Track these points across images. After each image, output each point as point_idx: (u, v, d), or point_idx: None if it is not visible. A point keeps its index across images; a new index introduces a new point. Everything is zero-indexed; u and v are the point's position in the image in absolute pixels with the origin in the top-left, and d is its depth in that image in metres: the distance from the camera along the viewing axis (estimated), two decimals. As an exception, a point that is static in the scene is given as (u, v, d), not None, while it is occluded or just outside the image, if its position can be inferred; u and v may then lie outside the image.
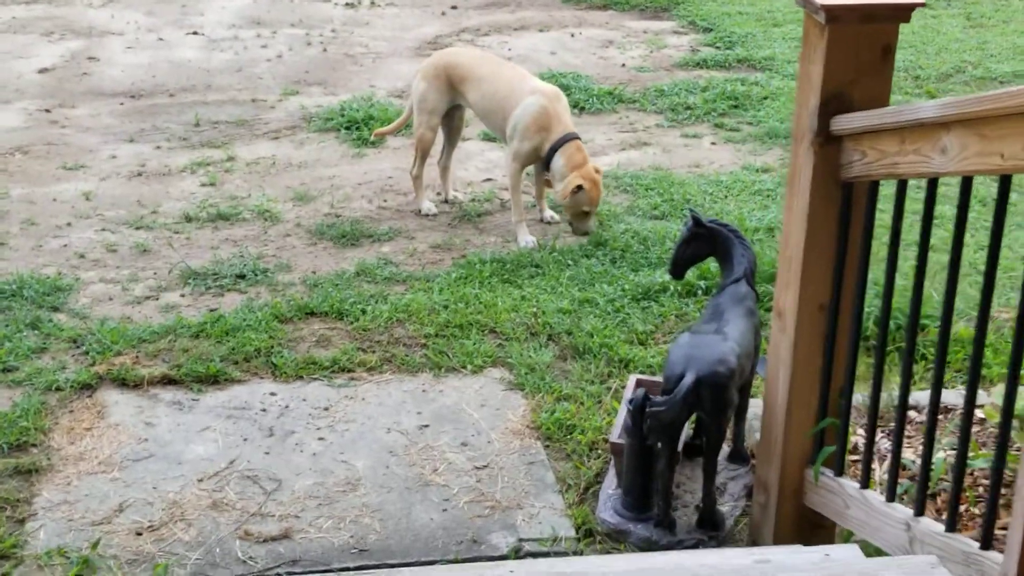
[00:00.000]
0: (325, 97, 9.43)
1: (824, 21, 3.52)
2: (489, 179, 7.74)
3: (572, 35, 11.38)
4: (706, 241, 4.50)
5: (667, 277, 5.88)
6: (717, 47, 10.84)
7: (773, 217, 6.71)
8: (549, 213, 7.03)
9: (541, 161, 6.64)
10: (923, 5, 3.53)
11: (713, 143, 8.36)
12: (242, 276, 6.20)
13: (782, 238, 3.95)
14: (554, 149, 6.47)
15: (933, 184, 3.20)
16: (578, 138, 6.56)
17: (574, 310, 5.75)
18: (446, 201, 7.30)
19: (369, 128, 8.41)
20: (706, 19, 11.79)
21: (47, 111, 8.99)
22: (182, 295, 6.03)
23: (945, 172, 3.05)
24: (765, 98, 9.13)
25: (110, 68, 10.17)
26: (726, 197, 7.21)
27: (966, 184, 3.03)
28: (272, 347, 5.44)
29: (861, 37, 3.56)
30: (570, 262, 6.29)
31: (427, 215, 7.07)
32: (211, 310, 5.83)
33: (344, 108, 8.85)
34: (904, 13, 3.52)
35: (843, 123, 3.60)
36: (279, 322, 5.69)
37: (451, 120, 7.12)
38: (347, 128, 8.55)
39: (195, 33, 11.39)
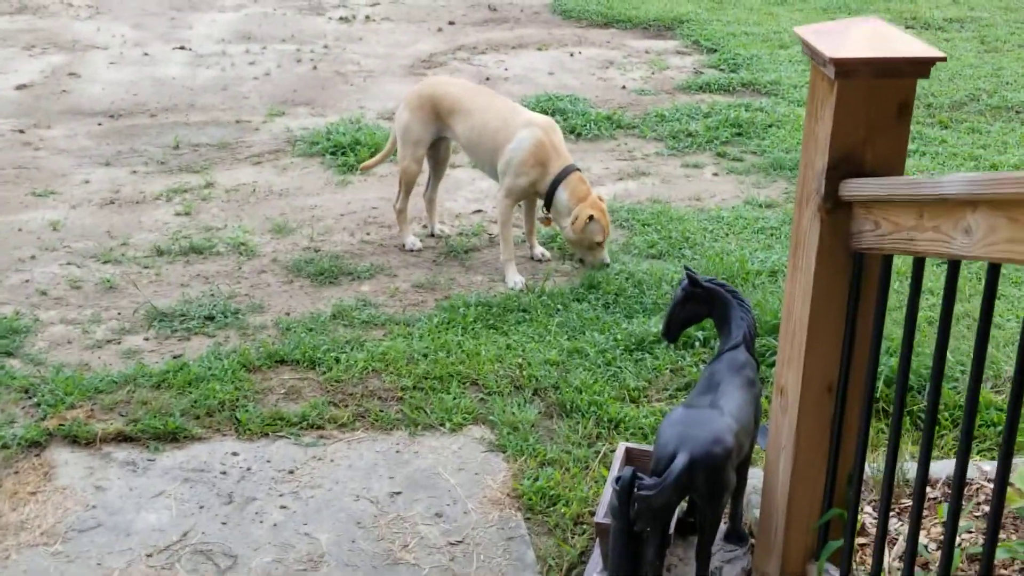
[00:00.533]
0: (312, 118, 9.07)
1: (833, 76, 3.15)
2: (479, 210, 7.38)
3: (571, 54, 11.02)
4: (703, 302, 4.14)
5: (661, 326, 5.51)
6: (721, 69, 10.48)
7: (777, 259, 6.33)
8: (540, 250, 6.66)
9: (537, 196, 6.29)
10: (944, 59, 3.15)
11: (715, 174, 7.99)
12: (211, 318, 5.84)
13: (784, 308, 3.58)
14: (556, 183, 6.14)
15: (955, 267, 2.82)
16: (578, 169, 6.24)
17: (562, 361, 5.38)
18: (432, 235, 6.94)
19: (355, 153, 8.06)
20: (711, 39, 11.43)
21: (21, 132, 8.64)
22: (146, 338, 5.67)
23: (969, 256, 2.67)
24: (770, 126, 8.75)
25: (91, 85, 9.82)
26: (727, 235, 6.83)
27: (993, 272, 2.65)
28: (237, 400, 5.07)
29: (875, 93, 3.19)
30: (560, 306, 5.91)
31: (411, 250, 6.70)
32: (175, 356, 5.46)
33: (331, 131, 8.50)
34: (923, 68, 3.15)
35: (854, 189, 3.23)
36: (247, 371, 5.32)
37: (437, 151, 6.76)
38: (332, 153, 8.19)
39: (182, 48, 11.05)
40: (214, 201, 7.42)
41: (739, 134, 8.65)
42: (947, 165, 7.86)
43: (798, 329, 3.46)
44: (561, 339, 5.57)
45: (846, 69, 3.13)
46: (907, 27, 11.45)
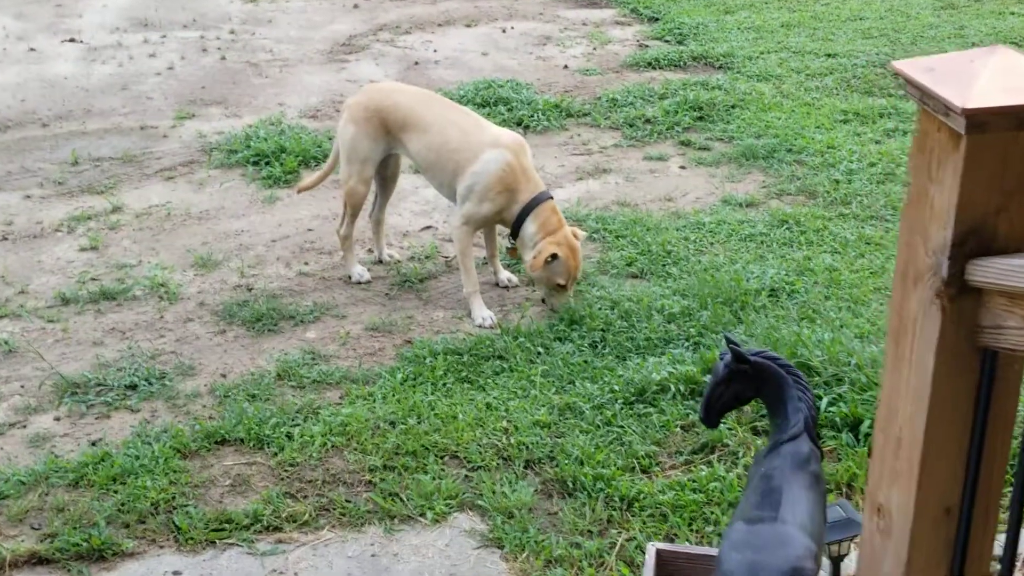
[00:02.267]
0: (227, 120, 8.11)
1: (963, 130, 2.39)
2: (428, 226, 6.55)
3: (503, 30, 10.17)
4: (750, 380, 3.39)
5: (663, 373, 4.78)
6: (667, 41, 9.72)
7: (775, 274, 5.62)
8: (505, 275, 5.88)
9: (502, 224, 5.50)
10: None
11: (682, 167, 7.24)
12: (133, 386, 4.96)
13: (882, 407, 2.84)
14: (524, 213, 5.36)
15: None
16: (551, 198, 5.45)
17: (554, 422, 4.61)
18: (380, 261, 6.10)
19: (281, 163, 7.17)
20: (650, 6, 10.67)
21: None
22: (56, 418, 4.77)
23: None
24: (733, 107, 8.03)
25: (-31, 91, 8.73)
26: (712, 245, 6.10)
27: None
28: (174, 498, 4.22)
29: (1014, 150, 2.44)
30: (540, 348, 5.14)
31: (359, 282, 5.86)
32: (93, 443, 4.59)
33: (250, 136, 7.57)
34: (1086, 114, 2.40)
35: (987, 272, 2.48)
36: (182, 457, 4.47)
37: (386, 167, 5.91)
38: (255, 163, 7.27)
39: (72, 40, 9.96)
40: (124, 229, 6.48)
41: (700, 118, 7.92)
42: (932, 146, 7.21)
43: (908, 439, 2.73)
44: (548, 392, 4.80)
45: (979, 121, 2.38)
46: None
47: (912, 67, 2.58)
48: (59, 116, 8.18)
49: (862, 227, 6.27)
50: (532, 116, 7.93)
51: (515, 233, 5.44)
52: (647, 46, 9.57)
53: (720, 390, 3.41)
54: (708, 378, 3.49)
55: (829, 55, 9.18)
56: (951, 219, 2.51)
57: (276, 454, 4.48)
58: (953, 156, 2.47)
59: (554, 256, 5.31)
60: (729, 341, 3.42)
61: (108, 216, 6.64)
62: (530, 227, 5.38)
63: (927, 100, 2.49)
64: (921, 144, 2.60)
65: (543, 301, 5.55)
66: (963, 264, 2.52)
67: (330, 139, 7.65)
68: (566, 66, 9.13)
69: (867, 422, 4.33)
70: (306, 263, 6.10)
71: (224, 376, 5.05)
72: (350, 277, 5.89)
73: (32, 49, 9.67)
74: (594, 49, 9.55)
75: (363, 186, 5.76)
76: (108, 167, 7.35)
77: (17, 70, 9.13)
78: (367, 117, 5.66)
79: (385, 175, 5.92)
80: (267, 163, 7.22)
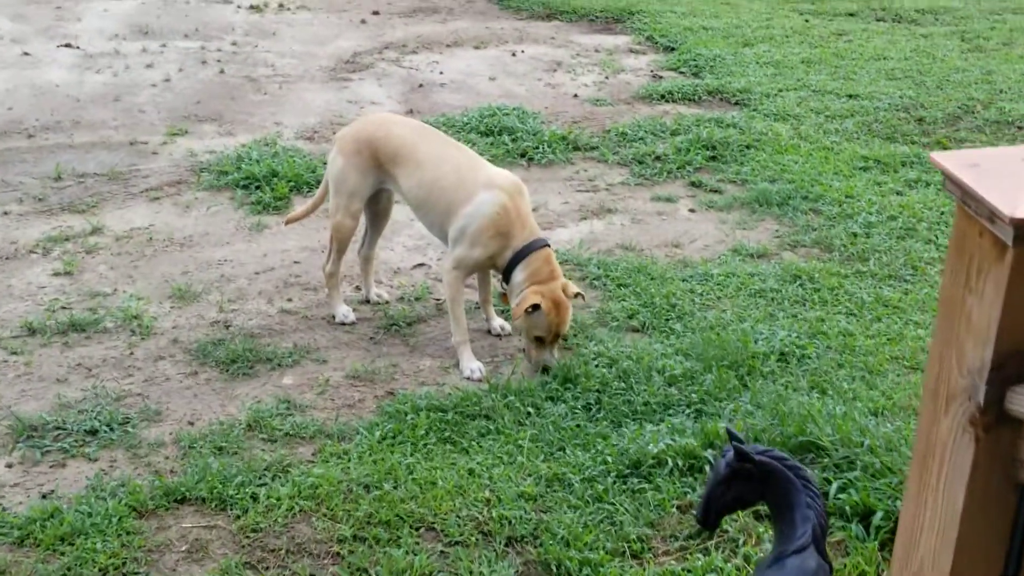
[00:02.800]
0: (220, 138, 7.80)
1: (1011, 241, 2.06)
2: (421, 263, 6.22)
3: (514, 54, 9.85)
4: (754, 482, 3.05)
5: (661, 444, 4.43)
6: (682, 72, 9.39)
7: (785, 336, 5.28)
8: (498, 322, 5.55)
9: (494, 270, 5.18)
10: None
11: (691, 210, 6.91)
12: (93, 432, 4.63)
13: (901, 534, 2.50)
14: (517, 259, 5.04)
15: None
16: (547, 245, 5.12)
17: (540, 495, 4.27)
18: (367, 301, 5.77)
19: (272, 188, 6.85)
20: (666, 35, 10.33)
21: None
22: (9, 464, 4.45)
23: None
24: (747, 147, 7.70)
25: (-44, 96, 8.43)
26: (719, 299, 5.76)
27: None
28: (125, 563, 3.89)
29: (1070, 264, 2.11)
30: (531, 409, 4.79)
31: (343, 323, 5.53)
32: (44, 495, 4.26)
33: (242, 158, 7.25)
34: None
35: (1034, 402, 2.15)
36: (138, 516, 4.14)
37: (377, 201, 5.59)
38: (244, 187, 6.96)
39: (68, 45, 9.66)
40: (101, 254, 6.16)
41: (713, 158, 7.58)
42: (954, 199, 6.86)
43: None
44: (536, 460, 4.46)
45: (1031, 231, 2.05)
46: (878, 19, 10.46)
47: (953, 161, 2.26)
48: (46, 127, 7.87)
49: (880, 287, 5.92)
50: (537, 148, 7.60)
51: (507, 279, 5.12)
52: (661, 77, 9.25)
53: (721, 490, 3.07)
54: (708, 474, 3.15)
55: (851, 96, 8.85)
56: (991, 338, 2.17)
57: (239, 517, 4.14)
58: (997, 267, 2.13)
59: (535, 307, 4.96)
60: (732, 436, 3.09)
61: (86, 238, 6.32)
62: (519, 275, 5.06)
63: (969, 201, 2.17)
64: (959, 247, 2.27)
65: (523, 353, 5.21)
66: (1003, 390, 2.18)
67: (324, 164, 7.34)
68: (576, 95, 8.81)
69: (880, 513, 3.98)
70: (289, 299, 5.77)
71: (191, 424, 4.72)
72: (334, 317, 5.56)
73: (26, 53, 9.37)
74: (606, 78, 9.23)
75: (350, 221, 5.44)
76: (92, 184, 7.04)
77: (8, 75, 8.83)
78: (357, 149, 5.35)
79: (376, 210, 5.60)
80: (257, 187, 6.90)
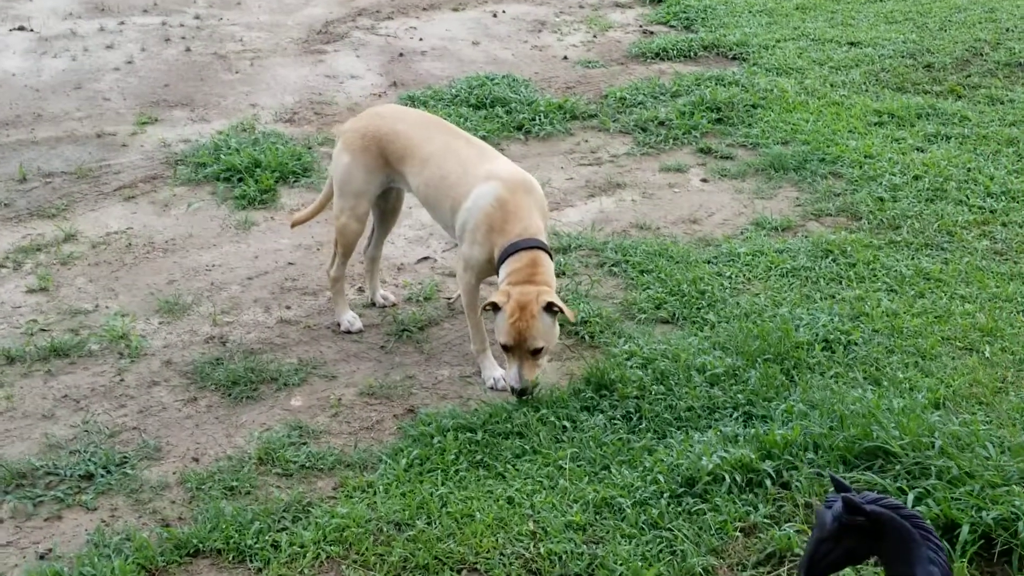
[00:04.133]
0: (193, 125, 7.30)
1: None
2: (425, 257, 5.80)
3: (494, 15, 9.35)
4: (867, 536, 2.69)
5: (715, 459, 4.06)
6: (673, 26, 8.95)
7: (827, 320, 4.91)
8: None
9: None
10: None
11: (704, 180, 6.51)
12: (89, 476, 4.21)
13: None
14: (505, 256, 4.54)
15: None
16: (542, 248, 4.55)
17: (589, 523, 3.90)
18: (373, 304, 5.34)
19: (256, 180, 6.38)
20: (651, -14, 9.85)
21: None
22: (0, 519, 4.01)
23: None
24: (754, 107, 7.29)
25: (-96, 92, 7.87)
26: (749, 280, 5.39)
27: None
28: (139, 635, 3.48)
29: None
30: (566, 423, 4.41)
31: (349, 331, 5.11)
32: (41, 555, 3.84)
33: (220, 146, 6.77)
34: None
35: None
36: (147, 575, 3.72)
37: (385, 200, 5.15)
38: (226, 179, 6.48)
39: (21, 28, 9.06)
40: (78, 264, 5.69)
41: (719, 120, 7.18)
42: (979, 154, 6.51)
43: None
44: (580, 482, 4.08)
45: None
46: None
47: None
48: (5, 122, 7.33)
49: (917, 258, 5.56)
50: (533, 119, 7.16)
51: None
52: (652, 32, 8.80)
53: (827, 547, 2.71)
54: (811, 532, 2.78)
55: (852, 44, 8.44)
56: None
57: (260, 570, 3.75)
58: None
59: (493, 306, 4.46)
60: (839, 486, 2.72)
61: (60, 247, 5.84)
62: (502, 273, 4.55)
63: None
64: None
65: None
66: None
67: (309, 148, 6.89)
68: (565, 57, 8.35)
69: (965, 528, 3.63)
70: (288, 307, 5.34)
71: (196, 460, 4.31)
72: (339, 325, 5.14)
73: (-24, 39, 8.79)
74: (594, 36, 8.77)
75: (357, 223, 5.00)
76: (60, 184, 6.54)
77: (-41, 65, 8.27)
78: (364, 147, 4.90)
79: (384, 208, 5.17)
80: (240, 179, 6.43)
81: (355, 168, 4.91)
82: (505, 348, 4.49)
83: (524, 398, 4.51)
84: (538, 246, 4.54)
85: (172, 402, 4.66)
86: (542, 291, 4.45)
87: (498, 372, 4.76)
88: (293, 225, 5.51)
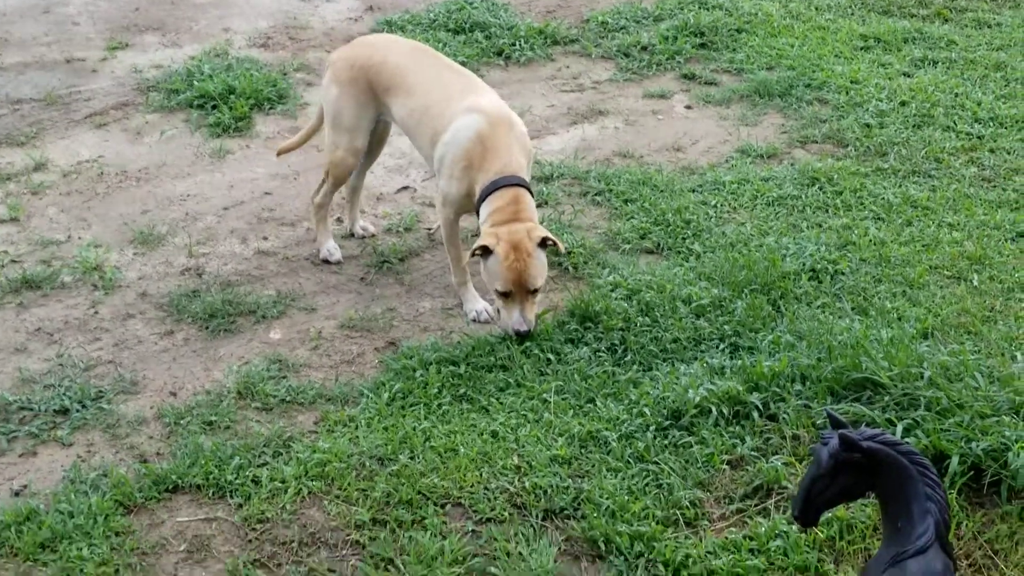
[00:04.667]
0: (165, 50, 7.12)
1: None
2: (405, 187, 5.69)
3: (473, -65, 9.10)
4: (862, 473, 2.65)
5: (701, 391, 4.01)
6: (654, -54, 8.71)
7: (815, 250, 4.85)
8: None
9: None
10: None
11: (688, 107, 6.40)
12: (64, 411, 4.13)
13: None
14: (484, 195, 4.39)
15: None
16: (522, 184, 4.40)
17: (575, 458, 3.85)
18: (351, 235, 5.24)
19: (230, 107, 6.23)
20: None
21: None
22: (-29, 456, 3.93)
23: None
24: (739, 31, 7.17)
25: None
26: (735, 211, 5.31)
27: None
28: (118, 572, 3.43)
29: None
30: (551, 355, 4.35)
31: (328, 261, 5.01)
32: (16, 492, 3.77)
33: (193, 72, 6.60)
34: None
35: None
36: (126, 512, 3.67)
37: (374, 129, 5.00)
38: (200, 106, 6.33)
39: (-15, -50, 8.76)
40: (49, 194, 5.55)
41: (703, 45, 7.05)
42: (967, 79, 6.41)
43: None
44: (565, 416, 4.03)
45: None
46: None
47: None
48: (-30, 47, 7.12)
49: (904, 185, 5.49)
50: (513, 45, 7.01)
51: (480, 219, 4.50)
52: (634, -46, 8.57)
53: (823, 484, 2.66)
54: (807, 469, 2.72)
55: (838, -35, 8.27)
56: None
57: (241, 506, 3.69)
58: None
59: (484, 250, 4.29)
60: (835, 421, 2.66)
61: (30, 176, 5.70)
62: (483, 214, 4.40)
63: None
64: None
65: (498, 313, 4.51)
66: None
67: (284, 75, 6.74)
68: (546, -21, 8.15)
69: (955, 459, 3.59)
70: (265, 237, 5.23)
71: (174, 394, 4.23)
72: (318, 254, 5.03)
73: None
74: (575, -42, 8.55)
75: (352, 158, 4.88)
76: (29, 111, 6.37)
77: (-79, -12, 8.01)
78: (352, 77, 4.76)
79: (371, 138, 5.02)
80: (214, 106, 6.28)
81: (344, 100, 4.78)
82: (503, 294, 4.36)
83: (527, 340, 4.40)
84: (519, 183, 4.40)
85: (148, 335, 4.57)
86: (531, 227, 4.32)
87: (480, 304, 4.68)
88: (279, 153, 5.38)
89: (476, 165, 4.42)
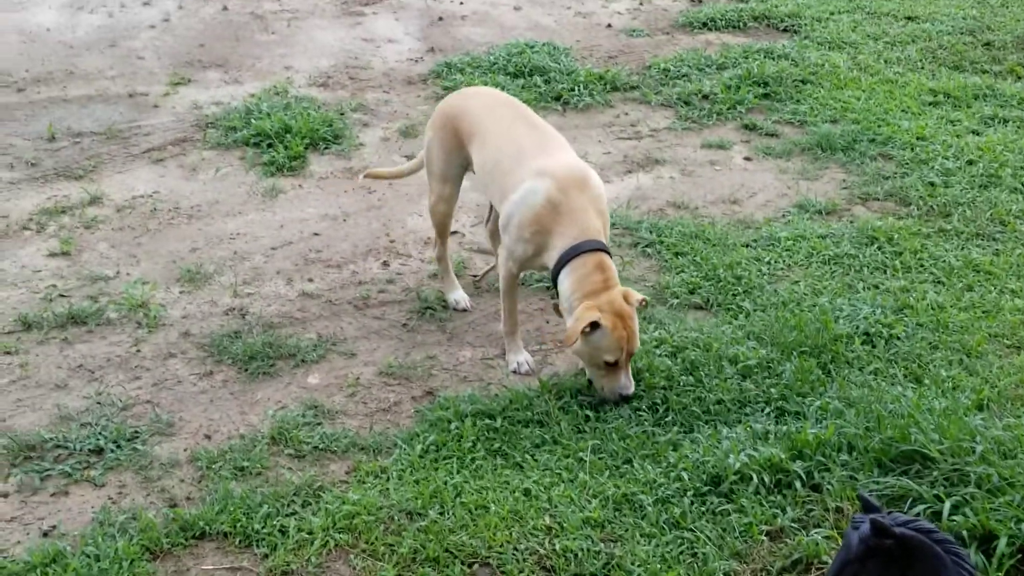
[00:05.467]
0: (226, 87, 7.17)
1: None
2: (453, 232, 5.62)
3: (539, -21, 9.11)
4: (894, 560, 2.51)
5: (743, 458, 3.88)
6: (722, -5, 8.65)
7: (870, 312, 4.70)
8: None
9: (545, 271, 4.50)
10: None
11: (747, 159, 6.29)
12: (99, 451, 4.11)
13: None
14: (563, 263, 4.28)
15: None
16: (603, 249, 4.29)
17: (608, 522, 3.74)
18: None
19: (285, 146, 6.23)
20: (702, -47, 9.55)
21: None
22: (4, 494, 3.92)
23: None
24: (803, 82, 7.04)
25: (-62, 45, 7.79)
26: (789, 267, 5.18)
27: None
28: (139, 620, 3.37)
29: None
30: (589, 413, 4.24)
31: (456, 310, 4.98)
32: (45, 532, 3.75)
33: (251, 110, 6.63)
34: None
35: None
36: (151, 558, 3.62)
37: None
38: (255, 144, 6.35)
39: (59, -18, 8.94)
40: (102, 229, 5.59)
41: (766, 95, 6.93)
42: (1039, 140, 6.23)
43: None
44: (600, 476, 3.92)
45: None
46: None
47: None
48: (37, 79, 7.23)
49: (967, 248, 5.32)
50: (572, 90, 6.95)
51: (555, 285, 4.39)
52: (700, 0, 8.51)
53: (852, 570, 2.54)
54: (834, 553, 2.61)
55: (909, 18, 8.14)
56: None
57: (267, 556, 3.63)
58: None
59: (594, 325, 4.17)
60: (867, 506, 2.54)
61: (85, 209, 5.74)
62: (565, 282, 4.28)
63: None
64: None
65: (589, 385, 4.40)
66: None
67: (341, 115, 6.76)
68: (609, 25, 8.12)
69: (1003, 539, 3.43)
70: (310, 279, 5.20)
71: (208, 437, 4.19)
72: (447, 303, 4.98)
73: (11, -9, 8.68)
74: (640, 4, 8.52)
75: (443, 205, 4.87)
76: (89, 144, 6.43)
77: (-6, 19, 8.17)
78: (443, 124, 4.77)
79: None
80: (269, 145, 6.30)
81: (434, 146, 4.80)
82: (610, 365, 4.24)
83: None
84: (600, 248, 4.28)
85: (187, 375, 4.55)
86: (627, 292, 4.24)
87: (522, 356, 4.60)
88: (366, 176, 5.41)
89: (548, 230, 4.30)
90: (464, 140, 4.70)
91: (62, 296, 5.04)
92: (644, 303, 4.29)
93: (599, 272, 4.22)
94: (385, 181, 5.39)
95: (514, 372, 4.57)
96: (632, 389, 4.28)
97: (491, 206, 5.08)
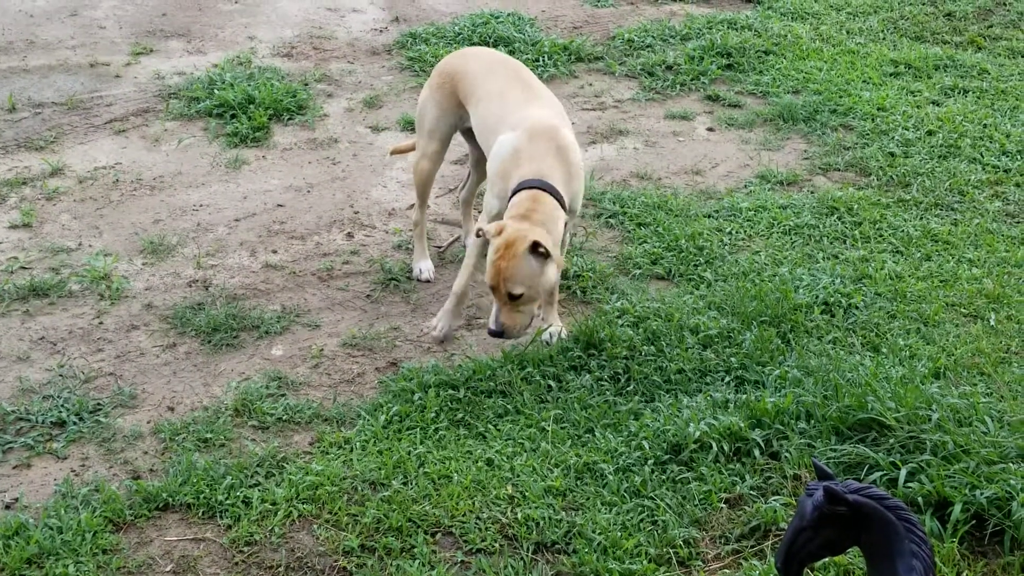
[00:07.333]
0: (189, 57, 7.11)
1: None
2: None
3: (504, -51, 9.07)
4: (847, 526, 2.57)
5: (702, 426, 3.93)
6: (687, -34, 8.65)
7: (828, 282, 4.75)
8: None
9: None
10: None
11: (710, 129, 6.32)
12: (61, 423, 4.11)
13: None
14: (511, 197, 4.29)
15: None
16: (545, 188, 4.22)
17: (569, 490, 3.78)
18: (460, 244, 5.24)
19: (249, 117, 6.21)
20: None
21: None
22: (-34, 467, 3.92)
23: None
24: (766, 53, 7.07)
25: None
26: (750, 237, 5.22)
27: None
28: (102, 592, 3.39)
29: None
30: (552, 383, 4.28)
31: (418, 279, 4.99)
32: (7, 506, 3.75)
33: (214, 80, 6.59)
34: None
35: None
36: (115, 529, 3.64)
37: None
38: (219, 115, 6.31)
39: (19, -49, 8.82)
40: (64, 200, 5.55)
41: (729, 66, 6.96)
42: (997, 109, 6.29)
43: None
44: (562, 446, 3.96)
45: None
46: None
47: None
48: (-3, 48, 7.16)
49: (925, 218, 5.38)
50: (537, 60, 6.95)
51: None
52: (665, -29, 8.51)
53: (806, 536, 2.58)
54: (790, 520, 2.65)
55: (871, -12, 8.17)
56: None
57: (230, 527, 3.65)
58: None
59: (478, 232, 4.25)
60: (821, 473, 2.58)
61: (46, 181, 5.70)
62: (505, 216, 4.26)
63: None
64: None
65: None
66: None
67: (305, 85, 6.72)
68: (575, -5, 8.10)
69: (958, 507, 3.50)
70: (274, 251, 5.20)
71: (171, 409, 4.20)
72: (411, 273, 4.98)
73: (-28, -38, 8.55)
74: (606, -26, 8.50)
75: (427, 163, 4.85)
76: (51, 115, 6.38)
77: (-49, -12, 8.06)
78: (440, 84, 4.78)
79: (480, 153, 4.89)
80: (233, 116, 6.26)
81: (428, 103, 4.81)
82: (490, 288, 4.24)
83: (502, 339, 4.33)
84: (544, 186, 4.23)
85: (150, 347, 4.55)
86: (533, 230, 4.09)
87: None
88: (392, 152, 5.44)
89: (510, 174, 4.30)
90: (463, 99, 4.71)
91: (23, 268, 5.02)
92: (542, 251, 4.08)
93: (529, 203, 4.16)
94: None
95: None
96: (493, 327, 4.23)
97: (467, 175, 5.11)
